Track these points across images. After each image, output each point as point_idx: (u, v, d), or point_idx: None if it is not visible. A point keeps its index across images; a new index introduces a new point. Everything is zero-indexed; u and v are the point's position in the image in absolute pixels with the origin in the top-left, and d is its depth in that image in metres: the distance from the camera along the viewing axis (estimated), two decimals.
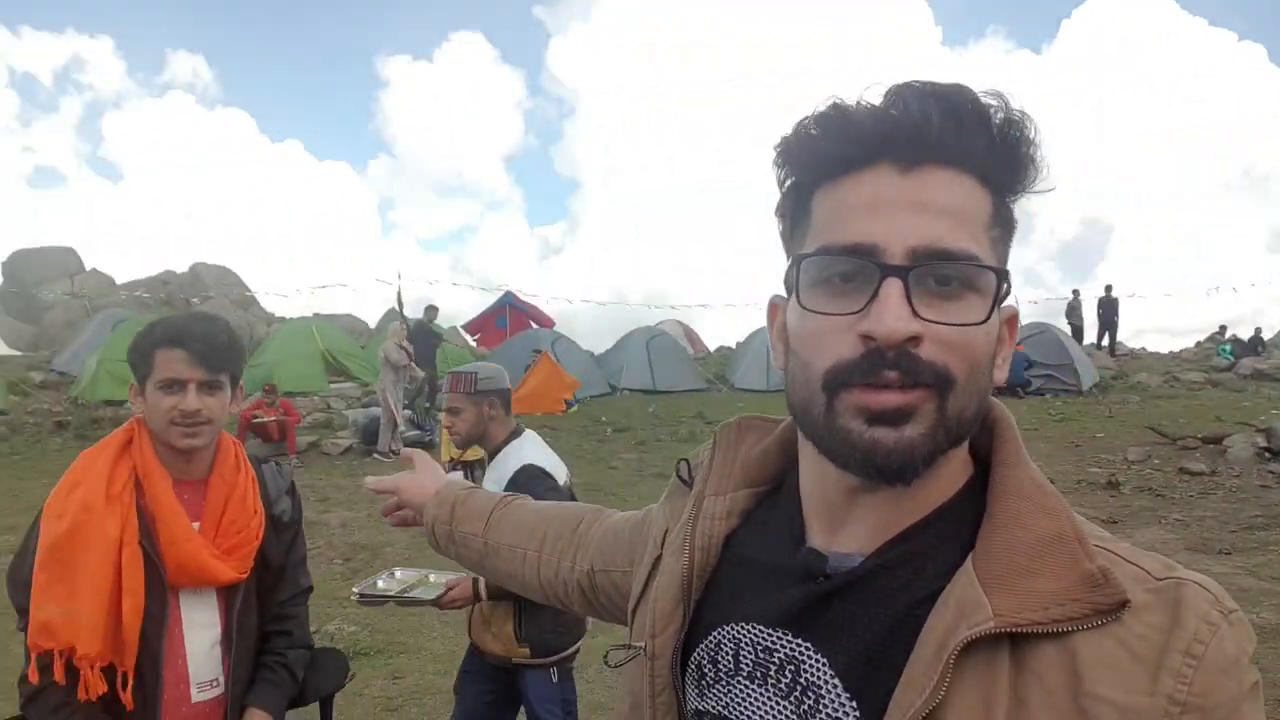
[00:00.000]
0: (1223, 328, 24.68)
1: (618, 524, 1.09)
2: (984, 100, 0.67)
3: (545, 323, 22.74)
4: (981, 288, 0.66)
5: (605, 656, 0.89)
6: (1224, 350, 20.76)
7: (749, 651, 0.75)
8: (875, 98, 0.68)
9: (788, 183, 0.74)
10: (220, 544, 1.78)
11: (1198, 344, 24.25)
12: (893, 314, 0.63)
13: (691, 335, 23.67)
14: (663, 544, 0.88)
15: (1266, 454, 9.89)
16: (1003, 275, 0.67)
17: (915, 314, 0.64)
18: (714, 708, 0.78)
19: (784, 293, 0.74)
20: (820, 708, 0.69)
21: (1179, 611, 0.60)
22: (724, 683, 0.77)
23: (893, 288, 0.64)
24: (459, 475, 7.96)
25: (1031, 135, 0.68)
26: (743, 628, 0.76)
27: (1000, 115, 0.67)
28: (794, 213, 0.74)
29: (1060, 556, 0.64)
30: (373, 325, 23.56)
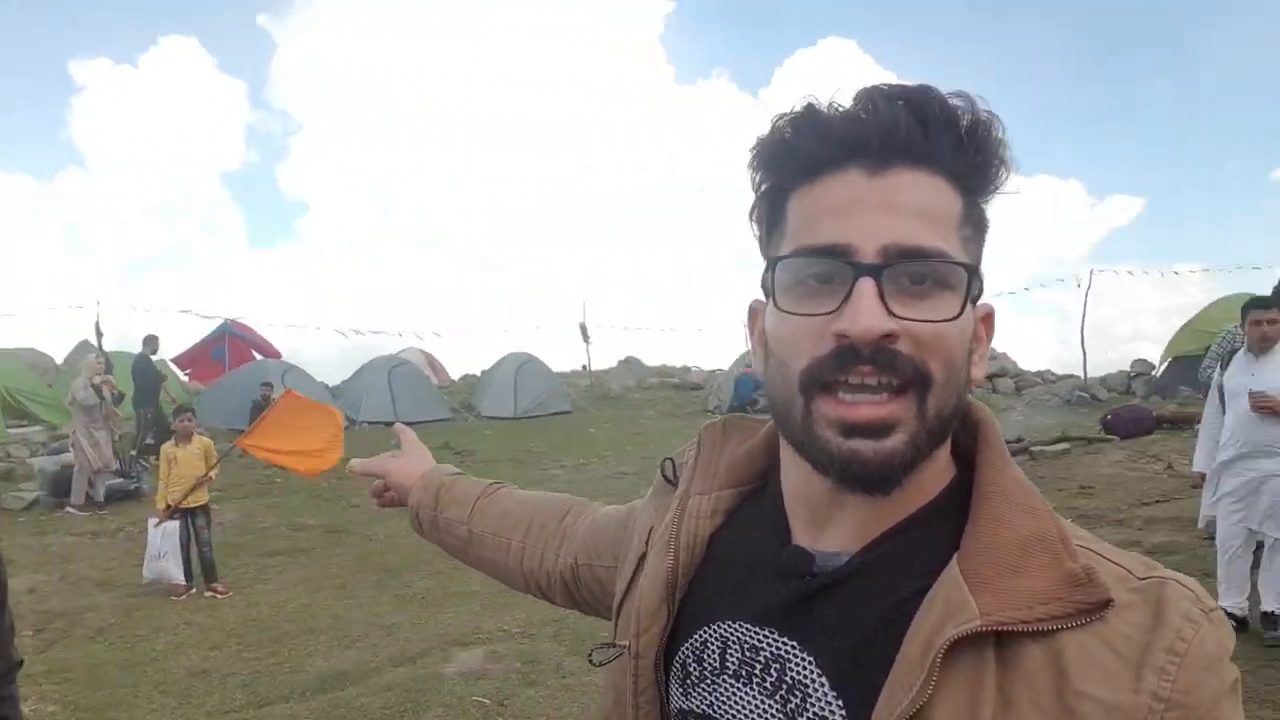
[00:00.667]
0: None
1: (603, 518, 1.09)
2: (951, 102, 0.68)
3: (271, 353, 21.08)
4: (954, 284, 0.67)
5: (590, 655, 0.88)
6: None
7: (735, 650, 0.75)
8: (845, 101, 0.69)
9: (763, 186, 0.74)
10: None
11: None
12: (866, 312, 0.64)
13: (435, 364, 23.11)
14: (648, 541, 0.87)
15: None
16: (973, 271, 0.68)
17: (890, 313, 0.65)
18: (698, 706, 0.78)
19: (762, 297, 0.74)
20: (807, 706, 0.69)
21: (1162, 610, 0.61)
22: (709, 681, 0.77)
23: (866, 286, 0.64)
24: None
25: (999, 135, 0.69)
26: (729, 626, 0.76)
27: (968, 117, 0.68)
28: (770, 216, 0.74)
29: (1044, 556, 0.64)
30: (60, 360, 20.43)
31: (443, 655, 5.43)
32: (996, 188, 0.71)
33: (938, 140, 0.67)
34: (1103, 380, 18.71)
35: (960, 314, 0.67)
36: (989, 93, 0.68)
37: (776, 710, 0.71)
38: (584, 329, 23.66)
